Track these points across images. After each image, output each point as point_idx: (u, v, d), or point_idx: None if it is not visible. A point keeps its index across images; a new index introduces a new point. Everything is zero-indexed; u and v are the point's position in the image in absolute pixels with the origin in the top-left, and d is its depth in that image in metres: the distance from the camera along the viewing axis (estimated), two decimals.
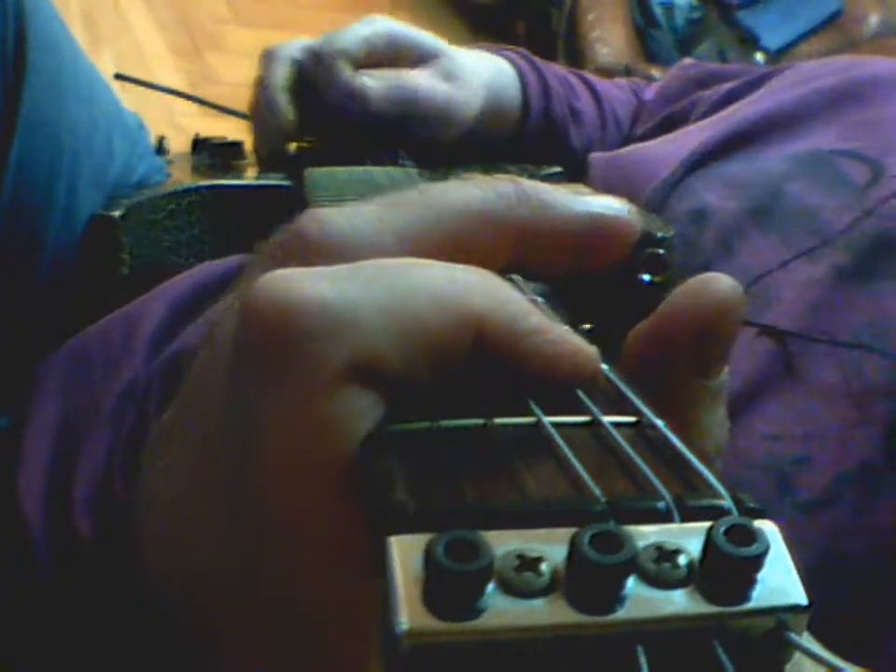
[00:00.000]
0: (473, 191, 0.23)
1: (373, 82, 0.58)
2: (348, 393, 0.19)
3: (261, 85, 0.60)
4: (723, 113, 0.59)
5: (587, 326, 0.24)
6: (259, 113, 0.60)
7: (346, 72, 0.58)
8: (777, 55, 1.94)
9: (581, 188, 0.24)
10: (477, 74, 0.63)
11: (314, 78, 0.59)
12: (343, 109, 0.58)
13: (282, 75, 0.59)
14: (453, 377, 0.20)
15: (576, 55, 1.98)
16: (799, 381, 0.38)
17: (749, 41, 1.96)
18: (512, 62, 0.66)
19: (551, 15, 2.14)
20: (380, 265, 0.20)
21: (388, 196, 0.23)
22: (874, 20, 1.95)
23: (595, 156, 0.60)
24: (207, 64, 1.97)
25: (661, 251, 0.34)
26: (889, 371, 0.37)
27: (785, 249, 0.43)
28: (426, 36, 0.62)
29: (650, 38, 1.99)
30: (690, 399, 0.22)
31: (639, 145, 0.61)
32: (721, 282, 0.22)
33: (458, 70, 0.61)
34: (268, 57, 0.60)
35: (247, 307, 0.20)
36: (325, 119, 0.60)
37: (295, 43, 0.61)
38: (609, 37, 1.96)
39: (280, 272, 0.20)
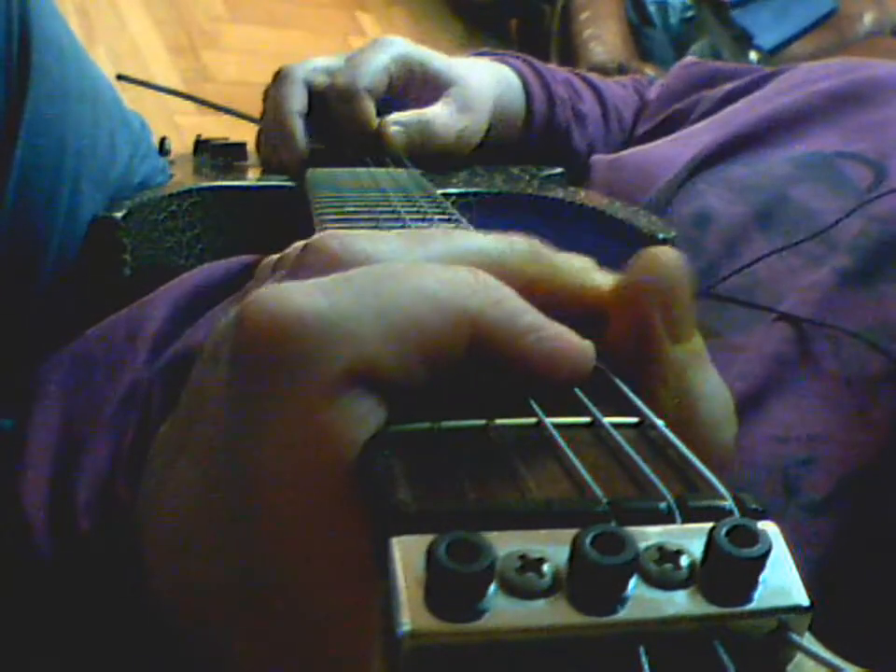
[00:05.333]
0: (493, 241, 0.24)
1: (397, 127, 0.59)
2: (347, 401, 0.19)
3: (275, 106, 0.61)
4: (725, 113, 0.59)
5: None
6: (273, 133, 0.61)
7: (372, 112, 0.59)
8: (771, 54, 1.94)
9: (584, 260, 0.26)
10: (486, 94, 0.63)
11: (333, 107, 0.60)
12: (365, 143, 0.60)
13: (296, 99, 0.60)
14: (453, 378, 0.20)
15: (569, 53, 1.98)
16: (806, 377, 0.38)
17: (743, 40, 1.97)
18: (516, 69, 0.67)
19: (544, 13, 2.14)
20: (372, 271, 0.21)
21: (411, 231, 0.24)
22: (868, 19, 1.95)
23: (597, 158, 0.60)
24: (203, 62, 1.97)
25: None
26: (892, 372, 0.37)
27: (789, 252, 0.43)
28: (439, 60, 0.63)
29: (644, 37, 1.99)
30: (677, 366, 0.23)
31: (642, 147, 0.61)
32: (664, 252, 0.23)
33: (471, 98, 0.62)
34: (283, 79, 0.61)
35: (243, 323, 0.20)
36: (333, 131, 0.61)
37: (310, 64, 0.62)
38: (603, 35, 1.96)
39: (273, 286, 0.20)
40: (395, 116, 0.60)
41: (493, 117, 0.64)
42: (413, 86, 0.62)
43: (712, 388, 0.23)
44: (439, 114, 0.60)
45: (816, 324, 0.39)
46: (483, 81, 0.64)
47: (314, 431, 0.19)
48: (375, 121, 0.59)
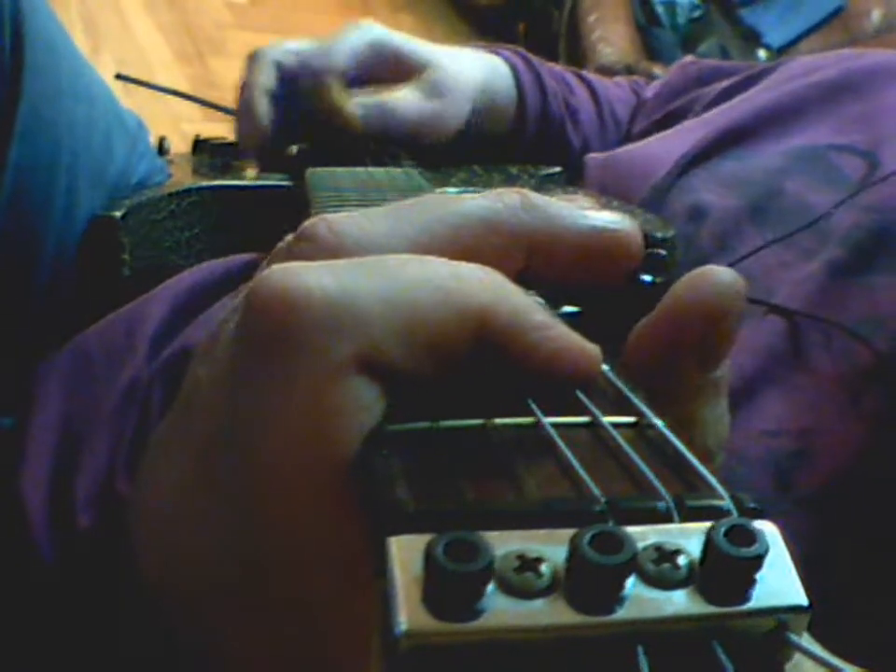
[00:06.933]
0: (481, 201, 0.24)
1: (355, 107, 0.59)
2: (352, 386, 0.19)
3: (244, 84, 0.61)
4: (720, 109, 0.59)
5: (573, 308, 0.25)
6: (241, 114, 0.61)
7: (334, 92, 0.59)
8: (780, 52, 1.93)
9: (582, 200, 0.25)
10: (467, 80, 0.63)
11: (302, 88, 0.60)
12: (327, 123, 0.59)
13: (265, 78, 0.60)
14: (454, 376, 0.20)
15: (578, 56, 1.98)
16: (798, 370, 0.38)
17: (752, 38, 1.96)
18: (507, 59, 0.66)
19: (551, 16, 2.13)
20: (382, 259, 0.21)
21: (397, 202, 0.23)
22: (876, 15, 1.95)
23: (591, 156, 0.60)
24: (209, 69, 1.98)
25: (662, 251, 0.34)
26: (883, 363, 0.37)
27: (781, 246, 0.43)
28: (415, 45, 0.62)
29: (652, 37, 1.99)
30: (693, 393, 0.22)
31: (635, 144, 0.61)
32: (719, 274, 0.22)
33: (444, 83, 0.61)
34: (253, 59, 0.61)
35: (251, 301, 0.20)
36: (313, 121, 0.61)
37: (282, 45, 0.62)
38: (611, 37, 1.96)
39: (283, 265, 0.20)
40: (357, 98, 0.59)
41: (478, 103, 0.63)
42: (385, 70, 0.61)
43: (717, 421, 0.23)
44: (401, 98, 0.60)
45: (807, 317, 0.39)
46: (464, 66, 0.63)
47: (317, 416, 0.19)
48: (340, 102, 0.59)
